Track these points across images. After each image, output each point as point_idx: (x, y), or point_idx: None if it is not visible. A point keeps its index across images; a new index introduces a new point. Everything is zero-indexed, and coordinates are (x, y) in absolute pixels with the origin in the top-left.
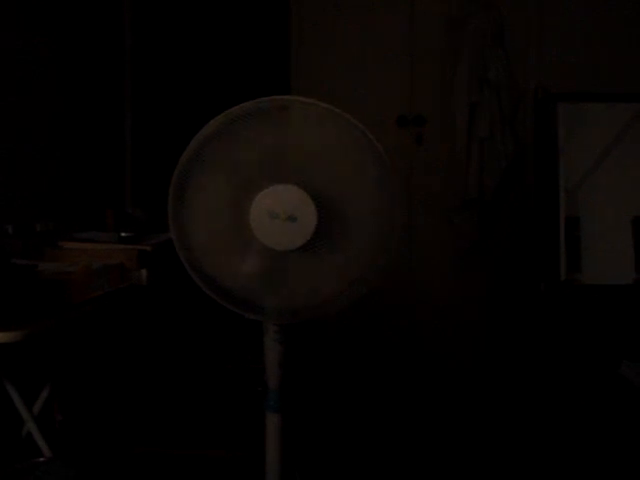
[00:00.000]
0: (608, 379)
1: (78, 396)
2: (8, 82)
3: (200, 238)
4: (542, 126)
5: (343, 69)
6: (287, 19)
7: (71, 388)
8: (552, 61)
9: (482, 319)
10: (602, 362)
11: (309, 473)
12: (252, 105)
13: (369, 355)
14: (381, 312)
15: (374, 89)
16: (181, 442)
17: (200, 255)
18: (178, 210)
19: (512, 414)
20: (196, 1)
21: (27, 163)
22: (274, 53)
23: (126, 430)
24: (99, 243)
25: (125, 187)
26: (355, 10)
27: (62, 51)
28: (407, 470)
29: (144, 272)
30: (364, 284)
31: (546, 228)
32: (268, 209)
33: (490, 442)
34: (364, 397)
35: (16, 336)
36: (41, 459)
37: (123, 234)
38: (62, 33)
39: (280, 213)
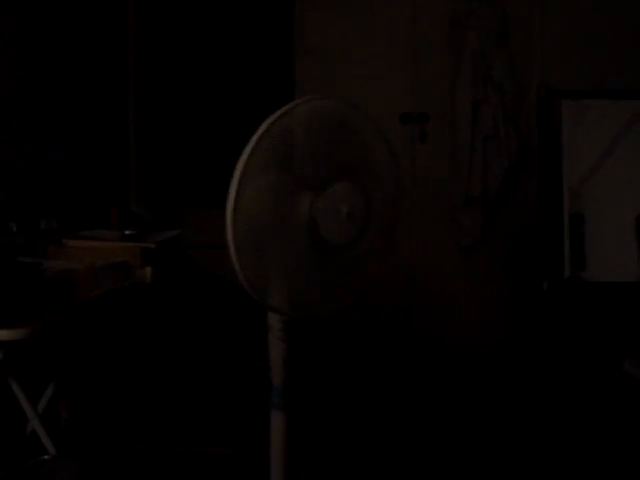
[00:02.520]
0: (612, 376)
1: (82, 394)
2: (12, 81)
3: (254, 237)
4: (545, 123)
5: (347, 66)
6: (291, 18)
7: (75, 386)
8: (555, 58)
9: (485, 317)
10: (606, 359)
11: (314, 471)
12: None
13: (370, 353)
14: (382, 310)
15: (378, 86)
16: (186, 440)
17: (250, 255)
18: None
19: (516, 412)
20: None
21: (31, 161)
22: (278, 51)
23: (130, 427)
24: (103, 241)
25: (129, 185)
26: (358, 8)
27: (66, 50)
28: (410, 469)
29: (148, 270)
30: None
31: (550, 226)
32: (335, 206)
33: (492, 441)
34: (366, 395)
35: (21, 333)
36: (45, 457)
37: (127, 232)
38: (65, 31)
39: (343, 210)
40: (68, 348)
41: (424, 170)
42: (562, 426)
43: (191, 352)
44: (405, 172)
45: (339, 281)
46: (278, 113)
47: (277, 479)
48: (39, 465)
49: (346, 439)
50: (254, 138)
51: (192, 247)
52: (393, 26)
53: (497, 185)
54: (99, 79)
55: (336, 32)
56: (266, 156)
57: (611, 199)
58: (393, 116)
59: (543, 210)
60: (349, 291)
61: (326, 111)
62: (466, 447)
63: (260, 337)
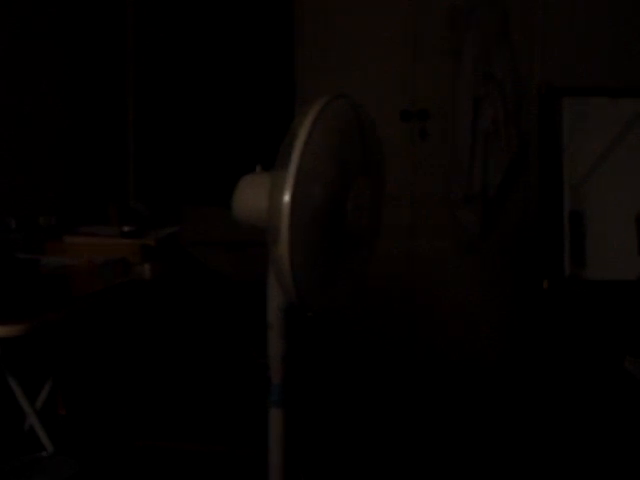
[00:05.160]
0: (612, 374)
1: (80, 390)
2: (11, 77)
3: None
4: (546, 121)
5: (346, 63)
6: (291, 14)
7: (73, 382)
8: (556, 56)
9: (485, 314)
10: (606, 357)
11: (314, 470)
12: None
13: (371, 351)
14: (383, 307)
15: (378, 83)
16: (184, 437)
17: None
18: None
19: (516, 410)
20: None
21: (30, 157)
22: (277, 47)
23: (128, 424)
24: (102, 237)
25: (128, 181)
26: (358, 5)
27: (64, 46)
28: (410, 467)
29: (147, 266)
30: None
31: (550, 223)
32: (358, 201)
33: (492, 439)
34: (367, 394)
35: (19, 330)
36: (43, 453)
37: (126, 228)
38: (64, 27)
39: (364, 204)
40: (66, 344)
41: (424, 168)
42: (562, 424)
43: (190, 349)
44: (405, 170)
45: (357, 269)
46: (317, 109)
47: (275, 477)
48: (37, 461)
49: (346, 438)
50: (306, 129)
51: (190, 244)
52: (393, 23)
53: (497, 183)
54: (98, 76)
55: (336, 29)
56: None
57: (612, 197)
58: (393, 113)
59: (543, 208)
60: (363, 278)
61: (343, 108)
62: (466, 445)
63: (260, 334)
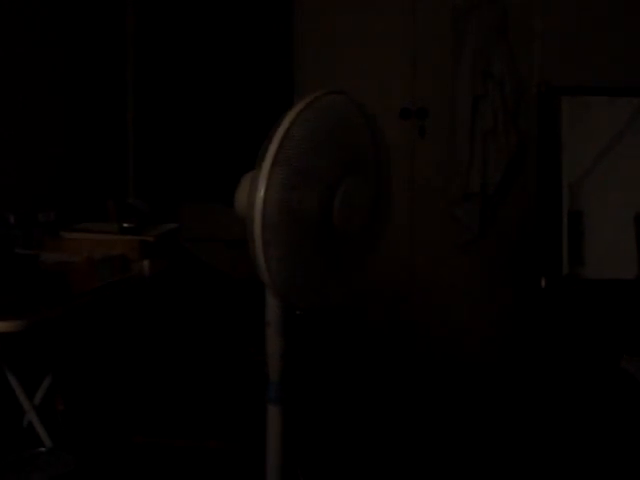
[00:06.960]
0: (609, 373)
1: (79, 386)
2: (11, 73)
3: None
4: (545, 120)
5: (346, 61)
6: (291, 13)
7: (72, 378)
8: (555, 55)
9: (484, 313)
10: (604, 356)
11: (311, 467)
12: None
13: (371, 350)
14: (382, 306)
15: (377, 81)
16: (182, 433)
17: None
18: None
19: (514, 408)
20: None
21: (29, 153)
22: (277, 45)
23: (126, 420)
24: (101, 234)
25: (127, 178)
26: (358, 3)
27: (64, 40)
28: (409, 466)
29: (146, 263)
30: None
31: (548, 222)
32: (350, 200)
33: (491, 438)
34: (366, 392)
35: (18, 326)
36: (42, 449)
37: (125, 225)
38: (63, 22)
39: (357, 202)
40: (65, 341)
41: (423, 166)
42: (560, 422)
43: (189, 345)
44: (404, 168)
45: (350, 269)
46: (301, 106)
47: (273, 474)
48: (35, 457)
49: (344, 435)
50: (283, 127)
51: (189, 241)
52: (393, 21)
53: (496, 181)
54: (98, 73)
55: (336, 27)
56: (289, 148)
57: (610, 196)
58: (392, 111)
59: (542, 207)
60: (359, 278)
61: (337, 106)
62: (465, 444)
63: (258, 331)
